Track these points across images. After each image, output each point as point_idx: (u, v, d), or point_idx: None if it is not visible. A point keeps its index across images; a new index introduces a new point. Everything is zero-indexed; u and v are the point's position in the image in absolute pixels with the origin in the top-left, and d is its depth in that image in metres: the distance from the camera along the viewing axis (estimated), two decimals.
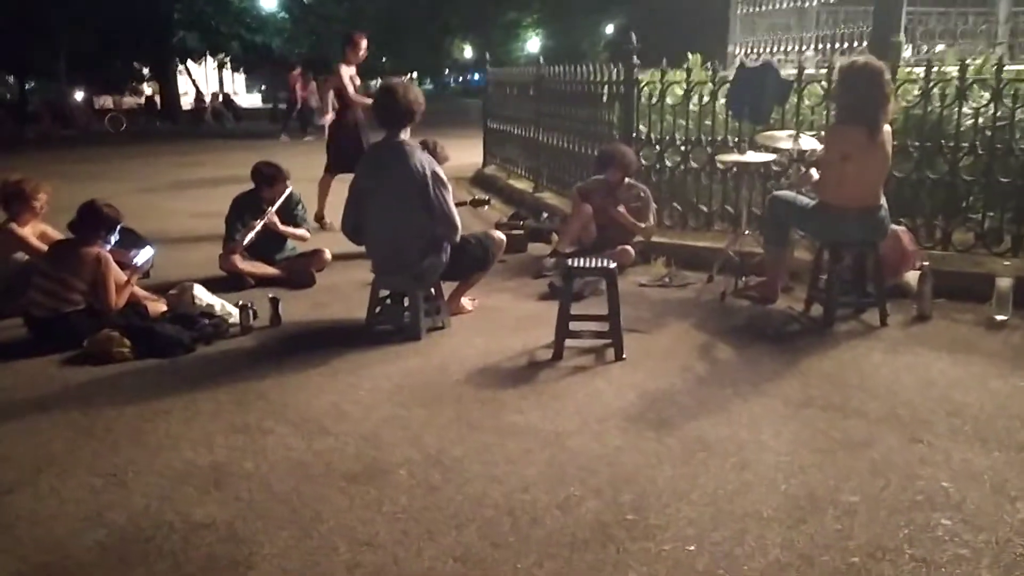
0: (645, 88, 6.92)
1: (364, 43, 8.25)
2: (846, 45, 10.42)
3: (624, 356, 4.38)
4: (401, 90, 4.76)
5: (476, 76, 45.58)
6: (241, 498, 2.99)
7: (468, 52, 60.96)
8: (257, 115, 35.62)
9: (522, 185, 9.88)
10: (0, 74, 39.40)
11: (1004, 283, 4.88)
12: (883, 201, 4.88)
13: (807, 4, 11.17)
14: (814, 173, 5.04)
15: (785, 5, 11.39)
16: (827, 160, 4.86)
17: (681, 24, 26.05)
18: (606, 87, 7.37)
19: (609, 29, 58.18)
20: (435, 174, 4.68)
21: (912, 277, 5.32)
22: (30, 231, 5.44)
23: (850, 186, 4.74)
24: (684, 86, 6.70)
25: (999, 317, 4.86)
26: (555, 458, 3.27)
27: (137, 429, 3.59)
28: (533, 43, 58.35)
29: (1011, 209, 5.65)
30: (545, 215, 8.09)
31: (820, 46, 10.73)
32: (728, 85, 6.37)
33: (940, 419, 3.57)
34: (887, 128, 4.78)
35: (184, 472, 3.19)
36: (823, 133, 5.57)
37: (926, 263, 5.11)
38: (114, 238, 4.94)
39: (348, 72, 8.13)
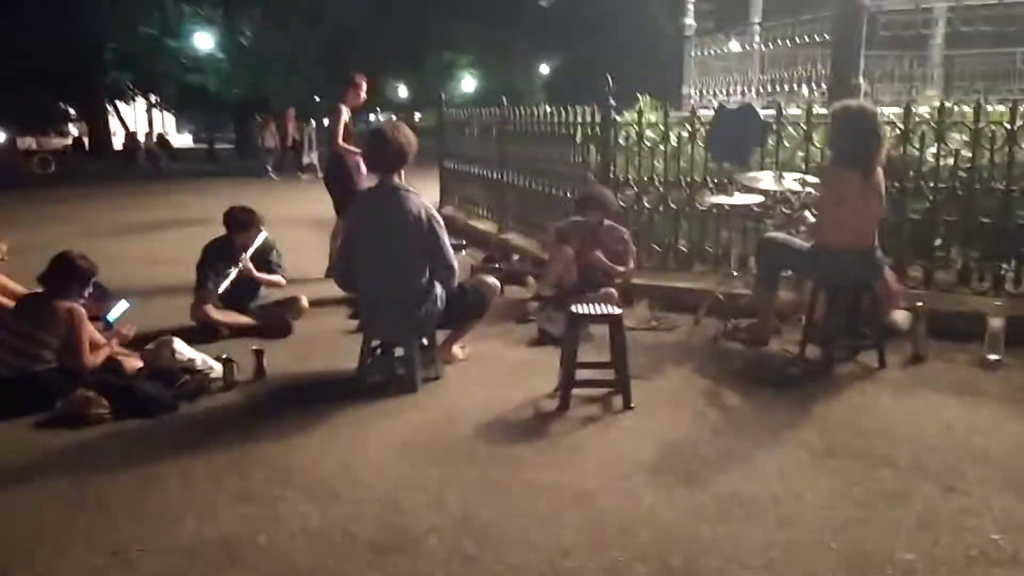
0: (622, 129, 6.89)
1: (364, 85, 7.78)
2: (795, 88, 10.64)
3: (633, 405, 4.26)
4: (391, 133, 4.62)
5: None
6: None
7: (403, 91, 61.05)
8: (192, 155, 35.02)
9: (485, 226, 9.76)
10: None
11: (996, 323, 4.91)
12: (877, 243, 4.89)
13: (755, 48, 11.39)
14: (808, 215, 5.04)
15: (736, 49, 11.60)
16: (823, 203, 4.86)
17: (621, 66, 26.45)
18: (580, 128, 7.33)
19: (544, 70, 59.07)
20: (432, 218, 4.53)
21: (900, 316, 5.34)
22: None
23: (847, 228, 4.74)
24: (661, 128, 6.69)
25: (992, 357, 4.88)
26: (589, 518, 3.11)
27: (133, 500, 3.32)
28: (468, 83, 58.76)
29: (991, 248, 5.73)
30: (516, 257, 7.97)
31: (769, 88, 10.93)
32: (707, 126, 6.38)
33: (968, 466, 3.52)
34: (880, 172, 4.80)
35: (192, 548, 2.94)
36: (805, 176, 5.60)
37: (920, 303, 5.12)
38: (88, 292, 4.64)
39: (346, 115, 7.62)
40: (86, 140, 34.24)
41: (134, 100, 38.28)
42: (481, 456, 3.71)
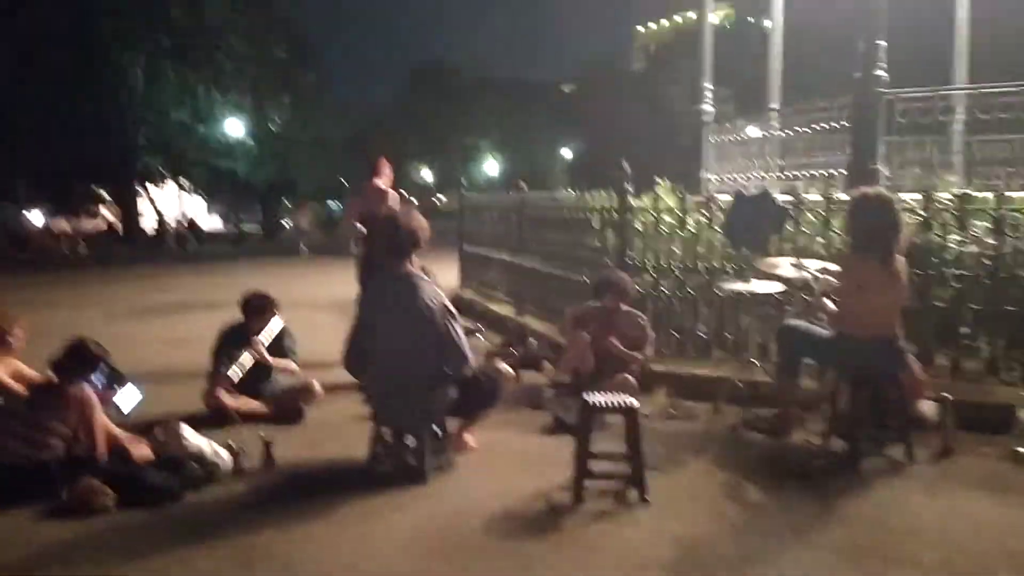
0: (639, 214, 6.89)
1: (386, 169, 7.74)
2: (816, 173, 10.64)
3: (648, 498, 4.12)
4: (403, 219, 4.63)
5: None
6: None
7: (427, 175, 62.14)
8: (220, 238, 35.57)
9: (503, 310, 9.73)
10: None
11: None
12: (899, 331, 4.79)
13: (773, 134, 11.44)
14: (828, 303, 4.95)
15: (754, 134, 11.67)
16: (843, 290, 4.78)
17: (641, 149, 26.81)
18: (598, 214, 7.34)
19: (567, 153, 60.08)
20: (444, 306, 4.50)
21: (927, 407, 5.18)
22: (2, 369, 5.09)
23: (867, 316, 4.65)
24: (679, 214, 6.69)
25: (1022, 450, 4.71)
26: None
27: None
28: (491, 165, 59.78)
29: (1019, 337, 5.59)
30: (533, 340, 7.90)
31: (788, 174, 10.94)
32: (725, 212, 6.36)
33: (1001, 569, 3.35)
34: (900, 259, 4.73)
35: None
36: (825, 264, 5.53)
37: (946, 395, 4.97)
38: (98, 378, 4.61)
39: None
40: (118, 223, 34.88)
41: (164, 184, 39.17)
42: (491, 552, 3.58)
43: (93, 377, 4.55)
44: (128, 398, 4.90)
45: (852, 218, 4.80)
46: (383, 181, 7.60)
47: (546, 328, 8.16)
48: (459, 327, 4.52)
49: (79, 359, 4.49)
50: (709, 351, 6.66)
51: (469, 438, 5.01)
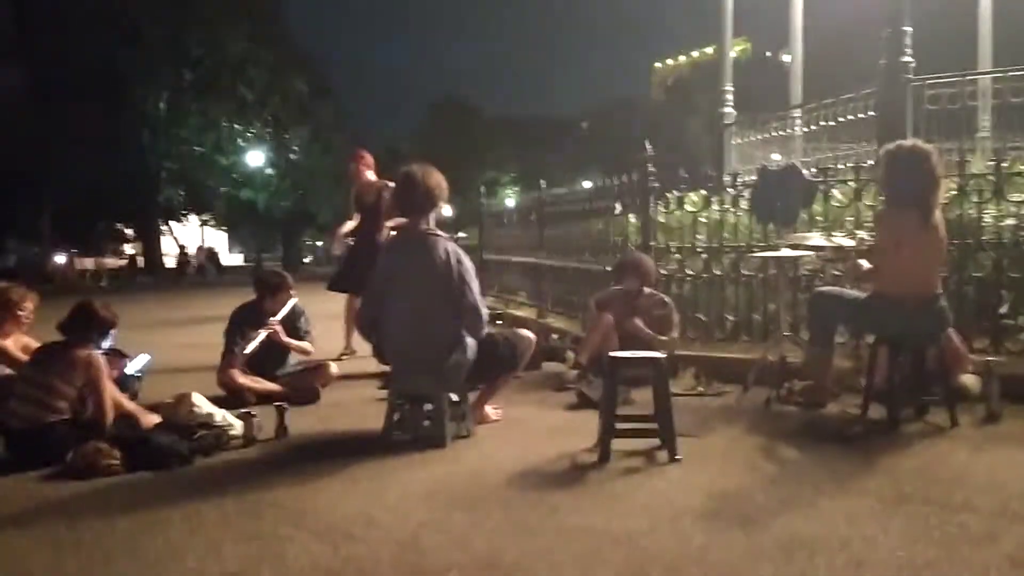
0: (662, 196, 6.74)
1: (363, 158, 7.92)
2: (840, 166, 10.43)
3: (679, 457, 3.90)
4: (420, 175, 4.46)
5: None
6: None
7: (447, 210, 62.41)
8: (239, 271, 35.66)
9: (525, 313, 9.56)
10: None
11: None
12: (941, 290, 4.57)
13: (796, 132, 11.27)
14: (863, 263, 4.74)
15: (774, 134, 11.52)
16: (880, 247, 4.57)
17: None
18: (619, 199, 7.20)
19: (587, 185, 60.14)
20: (460, 262, 4.33)
21: (969, 380, 4.94)
22: (12, 343, 4.98)
23: (906, 274, 4.44)
24: (704, 196, 6.52)
25: None
26: (632, 558, 2.76)
27: (132, 541, 3.04)
28: (510, 201, 59.95)
29: None
30: (555, 336, 7.72)
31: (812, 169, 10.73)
32: (751, 189, 6.18)
33: None
34: (939, 214, 4.53)
35: None
36: (857, 232, 5.33)
37: (991, 359, 4.73)
38: (107, 343, 4.47)
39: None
40: (140, 259, 35.14)
41: (186, 218, 39.50)
42: (512, 502, 3.38)
43: (100, 340, 4.40)
44: (137, 362, 4.76)
45: (888, 171, 4.59)
46: (369, 171, 7.71)
47: (569, 325, 7.98)
48: (475, 285, 4.36)
49: (86, 320, 4.35)
50: (737, 335, 6.45)
51: (490, 411, 4.83)
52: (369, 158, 7.84)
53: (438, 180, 4.44)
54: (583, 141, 61.66)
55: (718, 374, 5.85)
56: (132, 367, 4.68)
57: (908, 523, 3.02)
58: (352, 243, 7.72)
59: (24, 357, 4.80)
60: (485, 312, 4.39)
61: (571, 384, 5.71)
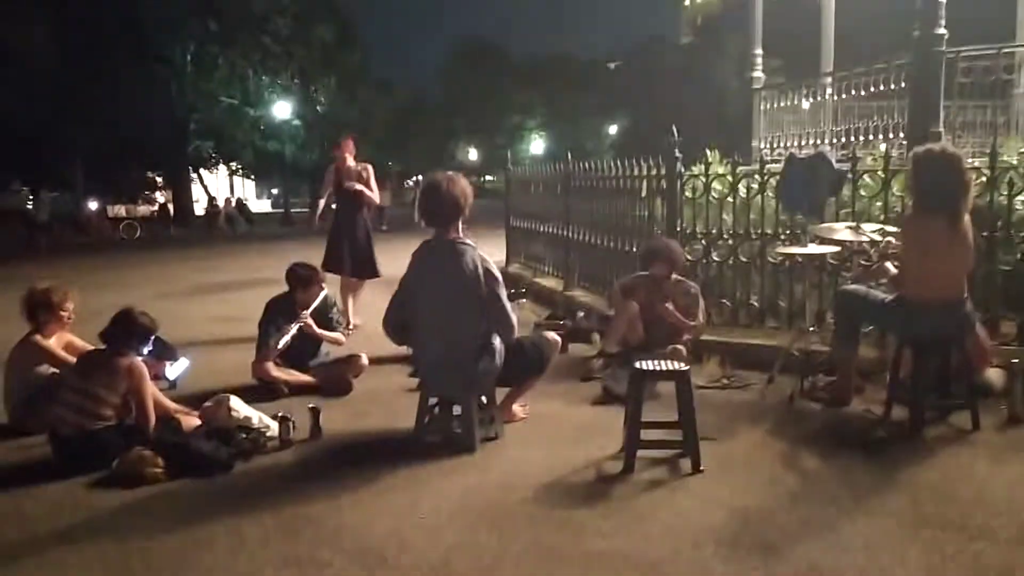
0: (689, 181, 6.72)
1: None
2: (870, 138, 10.30)
3: (702, 468, 4.00)
4: (445, 185, 4.50)
5: None
6: None
7: (473, 154, 62.04)
8: (269, 219, 35.95)
9: (550, 283, 9.63)
10: (14, 182, 39.90)
11: None
12: (967, 295, 4.58)
13: (827, 100, 11.10)
14: (890, 266, 4.74)
15: (805, 103, 11.33)
16: (906, 252, 4.57)
17: (689, 123, 26.38)
18: (646, 182, 7.18)
19: (612, 130, 59.41)
20: (488, 271, 4.40)
21: (993, 375, 4.98)
22: (56, 342, 5.14)
23: (932, 279, 4.45)
24: (730, 179, 6.50)
25: None
26: None
27: (178, 563, 3.20)
28: (537, 144, 59.46)
29: None
30: (581, 314, 7.80)
31: (842, 139, 10.61)
32: (778, 177, 6.16)
33: None
34: (967, 219, 4.51)
35: None
36: (885, 226, 5.32)
37: (1015, 360, 4.76)
38: (147, 349, 4.62)
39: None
40: (171, 207, 35.52)
41: (216, 168, 39.73)
42: (539, 521, 3.50)
43: (141, 347, 4.55)
44: (177, 369, 4.91)
45: (916, 176, 4.56)
46: (349, 156, 8.35)
47: (594, 300, 8.04)
48: (503, 293, 4.43)
49: (127, 329, 4.49)
50: (762, 320, 6.49)
51: (518, 408, 4.94)
52: (350, 144, 8.46)
53: (463, 187, 4.48)
54: (613, 84, 60.69)
55: (743, 362, 5.92)
56: (172, 372, 4.83)
57: (925, 553, 3.10)
58: (334, 224, 8.42)
59: (68, 357, 4.98)
60: (515, 319, 4.47)
61: (596, 375, 5.80)
